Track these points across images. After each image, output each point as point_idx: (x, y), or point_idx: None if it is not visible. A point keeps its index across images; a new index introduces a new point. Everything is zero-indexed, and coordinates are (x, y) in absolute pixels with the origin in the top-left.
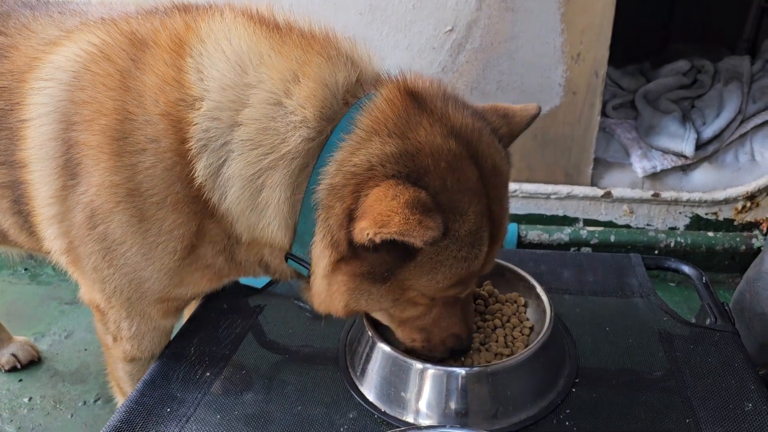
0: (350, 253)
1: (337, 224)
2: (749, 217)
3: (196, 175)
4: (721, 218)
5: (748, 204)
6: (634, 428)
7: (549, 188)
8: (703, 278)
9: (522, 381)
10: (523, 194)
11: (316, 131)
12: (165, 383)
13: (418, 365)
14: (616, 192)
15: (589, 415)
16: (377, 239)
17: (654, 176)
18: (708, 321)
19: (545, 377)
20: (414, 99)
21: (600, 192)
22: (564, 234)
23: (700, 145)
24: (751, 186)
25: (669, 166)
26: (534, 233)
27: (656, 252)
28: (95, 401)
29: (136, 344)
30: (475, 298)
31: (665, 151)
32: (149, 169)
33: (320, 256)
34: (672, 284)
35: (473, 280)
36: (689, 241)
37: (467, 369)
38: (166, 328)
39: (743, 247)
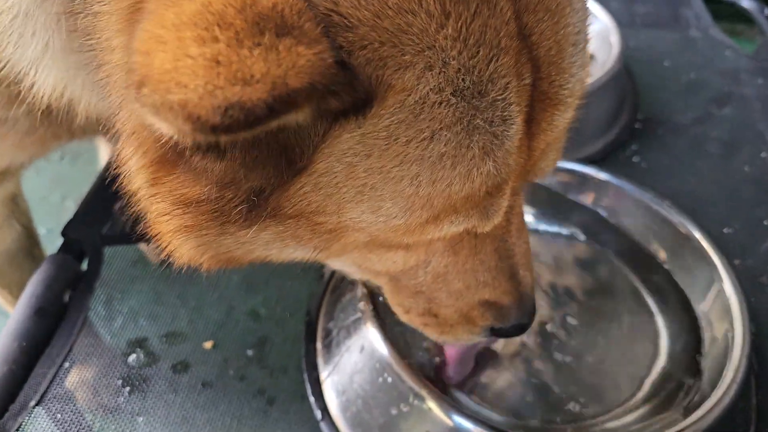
0: (167, 153)
1: (124, 84)
2: None
3: None
4: None
5: None
6: (707, 164)
7: None
8: (764, 11)
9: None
10: None
11: None
12: None
13: None
14: None
15: (657, 151)
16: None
17: None
18: None
19: (609, 112)
20: None
21: None
22: None
23: None
24: None
25: None
26: None
27: None
28: (61, 159)
29: None
30: None
31: None
32: None
33: (126, 156)
34: None
35: (501, 198)
36: None
37: None
38: None
39: None
